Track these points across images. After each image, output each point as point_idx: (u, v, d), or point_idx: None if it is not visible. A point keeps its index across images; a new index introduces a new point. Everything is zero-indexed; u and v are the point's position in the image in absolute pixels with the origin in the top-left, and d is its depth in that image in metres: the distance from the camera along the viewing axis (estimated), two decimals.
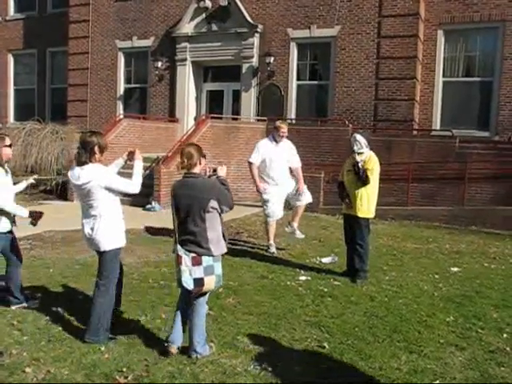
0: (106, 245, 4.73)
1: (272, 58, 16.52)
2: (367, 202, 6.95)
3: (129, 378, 4.07)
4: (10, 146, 5.44)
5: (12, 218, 5.50)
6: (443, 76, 15.58)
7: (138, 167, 4.89)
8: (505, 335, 5.16)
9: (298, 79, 16.84)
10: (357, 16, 15.63)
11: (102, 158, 4.77)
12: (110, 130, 15.67)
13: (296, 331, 5.13)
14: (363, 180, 6.84)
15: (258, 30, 16.79)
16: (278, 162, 8.56)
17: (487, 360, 4.56)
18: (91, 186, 4.60)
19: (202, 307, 4.51)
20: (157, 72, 18.57)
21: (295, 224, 8.89)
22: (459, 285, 6.96)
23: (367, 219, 7.08)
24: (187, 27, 17.82)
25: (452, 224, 11.77)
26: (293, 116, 16.73)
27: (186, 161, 4.43)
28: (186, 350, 4.46)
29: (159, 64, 18.39)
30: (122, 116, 17.81)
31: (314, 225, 11.36)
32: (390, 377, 4.19)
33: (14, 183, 5.74)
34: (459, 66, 15.47)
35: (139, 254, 8.13)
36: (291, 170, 8.92)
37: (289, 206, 9.31)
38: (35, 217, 5.58)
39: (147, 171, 12.90)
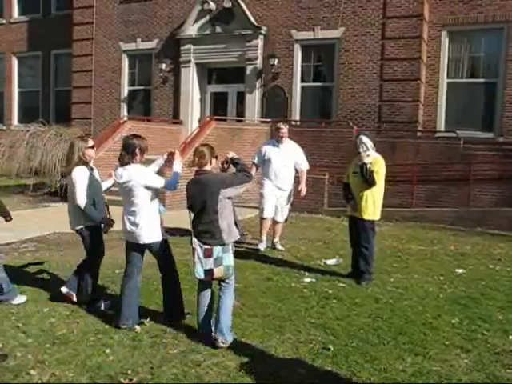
0: (146, 238, 5.11)
1: (276, 60, 16.51)
2: (373, 204, 6.93)
3: (133, 381, 4.06)
4: (92, 147, 5.80)
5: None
6: (447, 77, 15.54)
7: (177, 167, 5.33)
8: (510, 337, 5.14)
9: (302, 81, 16.82)
10: (361, 18, 15.61)
11: (142, 159, 5.22)
12: (114, 132, 15.68)
13: (301, 333, 5.13)
14: (370, 182, 6.82)
15: (262, 31, 16.78)
16: (278, 164, 8.66)
17: (493, 362, 4.55)
18: (132, 185, 5.03)
19: (229, 296, 4.86)
20: (161, 74, 18.59)
21: (276, 239, 9.00)
22: (464, 286, 6.94)
23: (372, 221, 7.06)
24: (191, 29, 17.83)
25: (457, 225, 11.73)
26: (297, 118, 16.71)
27: (197, 159, 4.83)
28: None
29: (163, 66, 18.40)
30: (126, 118, 17.82)
31: (319, 226, 11.34)
32: (395, 379, 4.17)
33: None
34: (463, 67, 15.43)
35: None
36: (297, 172, 8.94)
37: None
38: (107, 223, 5.75)
39: None
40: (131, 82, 19.88)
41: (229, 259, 4.75)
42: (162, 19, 18.73)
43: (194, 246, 4.73)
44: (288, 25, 16.60)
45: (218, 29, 17.48)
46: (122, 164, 5.14)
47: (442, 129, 15.43)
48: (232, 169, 5.02)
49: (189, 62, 18.09)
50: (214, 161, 4.90)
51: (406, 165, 13.30)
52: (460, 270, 7.81)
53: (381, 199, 7.06)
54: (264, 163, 8.77)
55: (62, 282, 6.43)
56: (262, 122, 16.41)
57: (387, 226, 11.41)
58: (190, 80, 18.21)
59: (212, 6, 17.24)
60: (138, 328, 5.07)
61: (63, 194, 14.61)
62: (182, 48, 18.14)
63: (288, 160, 8.78)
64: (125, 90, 19.82)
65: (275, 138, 8.91)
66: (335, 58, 16.16)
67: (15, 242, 8.96)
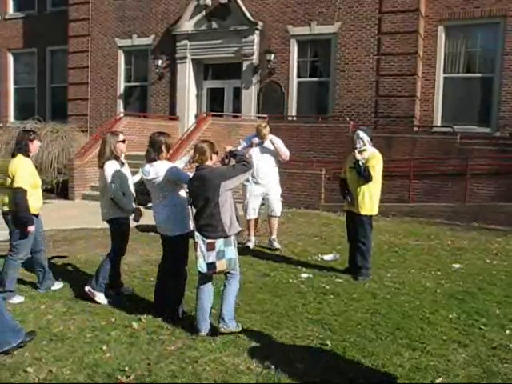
0: (174, 231, 5.25)
1: (272, 56, 16.50)
2: (370, 199, 6.92)
3: (131, 378, 4.05)
4: (123, 141, 5.99)
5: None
6: (444, 72, 15.55)
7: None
8: (507, 331, 5.14)
9: (299, 76, 16.81)
10: (357, 12, 15.60)
11: (168, 156, 5.41)
12: (110, 128, 15.59)
13: (298, 329, 5.12)
14: (365, 177, 6.81)
15: (258, 27, 16.75)
16: (258, 161, 8.50)
17: (490, 357, 4.55)
18: (159, 181, 5.19)
19: (234, 285, 4.96)
20: (157, 70, 18.55)
21: (273, 236, 8.81)
22: (461, 281, 6.94)
23: (370, 217, 7.05)
24: (187, 25, 17.78)
25: (454, 220, 11.74)
26: (293, 113, 16.71)
27: (198, 155, 4.92)
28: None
29: (159, 62, 18.36)
30: (122, 114, 17.80)
31: (316, 222, 11.33)
32: (393, 374, 4.17)
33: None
34: (460, 61, 15.44)
35: (141, 252, 8.13)
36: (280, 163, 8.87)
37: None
38: (137, 213, 5.96)
39: None
40: (127, 79, 19.83)
41: (231, 252, 4.83)
42: (157, 15, 18.68)
43: (196, 240, 4.79)
44: (284, 20, 16.57)
45: (214, 24, 17.43)
46: (149, 160, 5.28)
47: (439, 124, 15.44)
48: (233, 162, 5.08)
49: (185, 57, 18.05)
50: (214, 156, 4.98)
51: (402, 160, 13.30)
52: (457, 265, 7.81)
53: (378, 194, 7.06)
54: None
55: (58, 279, 6.42)
56: (259, 117, 16.39)
57: (384, 221, 11.41)
58: (187, 76, 18.17)
59: (208, 1, 17.19)
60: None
61: (59, 191, 14.62)
62: (178, 44, 18.09)
63: (269, 156, 8.67)
64: (121, 86, 19.77)
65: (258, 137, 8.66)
66: (331, 54, 16.16)
67: None
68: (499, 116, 14.80)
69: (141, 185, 6.06)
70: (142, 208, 6.15)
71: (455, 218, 11.86)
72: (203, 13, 17.50)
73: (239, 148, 8.55)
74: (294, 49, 16.64)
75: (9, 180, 5.74)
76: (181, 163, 5.79)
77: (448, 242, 9.58)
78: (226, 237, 4.81)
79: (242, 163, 4.93)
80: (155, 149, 5.25)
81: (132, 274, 6.80)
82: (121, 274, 6.27)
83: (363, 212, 6.94)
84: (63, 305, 5.69)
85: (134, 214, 5.98)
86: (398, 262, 8.01)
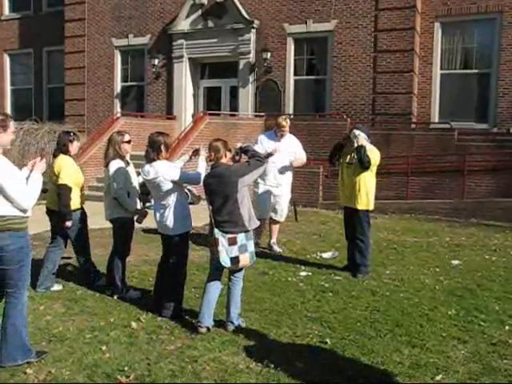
0: (174, 230, 5.29)
1: (269, 54, 16.47)
2: (366, 195, 6.92)
3: (130, 378, 4.05)
4: (129, 141, 6.10)
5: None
6: (441, 68, 15.56)
7: (202, 162, 5.51)
8: (507, 327, 5.15)
9: (296, 74, 16.80)
10: (353, 10, 15.58)
11: (167, 156, 5.41)
12: (107, 128, 15.62)
13: (298, 327, 5.12)
14: (365, 162, 6.72)
15: (255, 25, 16.72)
16: (276, 162, 8.05)
17: (490, 353, 4.55)
18: (159, 181, 5.22)
19: (240, 283, 5.06)
20: (153, 69, 18.52)
21: (273, 240, 8.57)
22: (460, 278, 6.95)
23: (367, 212, 7.05)
24: (183, 24, 17.75)
25: (452, 217, 11.76)
26: (291, 111, 16.68)
27: (213, 154, 4.99)
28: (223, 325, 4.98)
29: (156, 61, 18.32)
30: (119, 114, 17.77)
31: (314, 220, 11.34)
32: (393, 371, 4.17)
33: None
34: (457, 58, 15.44)
35: (140, 252, 8.11)
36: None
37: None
38: (141, 214, 6.02)
39: None
40: (124, 78, 19.79)
41: (252, 246, 4.94)
42: (153, 14, 18.64)
43: (216, 236, 4.82)
44: (280, 18, 16.55)
45: (211, 23, 17.40)
46: (148, 161, 5.31)
47: (436, 120, 15.45)
48: (244, 158, 5.15)
49: (181, 57, 18.01)
50: (228, 154, 5.05)
51: (400, 157, 13.31)
52: (456, 262, 7.82)
53: (373, 190, 7.05)
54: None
55: (58, 280, 6.40)
56: (256, 116, 16.39)
57: (382, 219, 11.42)
58: (183, 75, 18.14)
59: (204, 0, 17.15)
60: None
61: None
62: (174, 43, 18.06)
63: (285, 156, 8.16)
64: (118, 86, 19.74)
65: (276, 132, 8.25)
66: (328, 51, 16.15)
67: None
68: (496, 112, 14.82)
69: (143, 185, 6.06)
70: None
71: (453, 214, 11.88)
72: (199, 12, 17.46)
73: (255, 147, 8.27)
74: (291, 47, 16.63)
75: (54, 178, 6.02)
76: (180, 162, 5.83)
77: (446, 238, 9.59)
78: (247, 231, 4.89)
79: (256, 158, 5.00)
80: (154, 149, 5.26)
81: (131, 274, 6.78)
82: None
83: (360, 207, 6.93)
84: (62, 305, 5.68)
85: (137, 215, 6.01)
86: (396, 259, 8.01)
